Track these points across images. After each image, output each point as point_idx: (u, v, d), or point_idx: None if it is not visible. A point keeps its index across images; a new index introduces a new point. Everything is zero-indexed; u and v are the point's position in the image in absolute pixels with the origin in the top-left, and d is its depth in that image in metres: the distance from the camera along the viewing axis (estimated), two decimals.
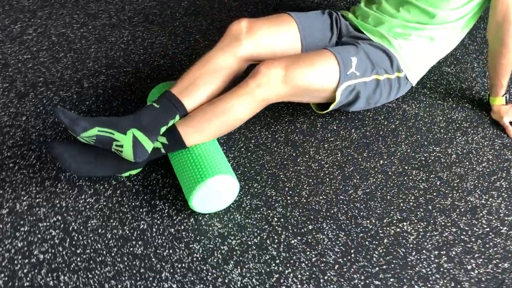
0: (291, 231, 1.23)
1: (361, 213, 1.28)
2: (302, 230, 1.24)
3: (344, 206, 1.29)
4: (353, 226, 1.25)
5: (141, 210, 1.26)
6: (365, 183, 1.34)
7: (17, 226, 1.22)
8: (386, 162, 1.40)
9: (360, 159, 1.40)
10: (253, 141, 1.44)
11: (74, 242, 1.19)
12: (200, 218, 1.25)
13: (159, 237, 1.21)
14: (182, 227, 1.23)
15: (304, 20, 1.41)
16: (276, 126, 1.48)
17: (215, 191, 1.20)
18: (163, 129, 1.23)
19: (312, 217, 1.26)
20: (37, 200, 1.27)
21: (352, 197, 1.31)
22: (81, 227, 1.22)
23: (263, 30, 1.34)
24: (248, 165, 1.37)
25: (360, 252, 1.20)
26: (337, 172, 1.36)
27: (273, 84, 1.23)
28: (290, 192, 1.31)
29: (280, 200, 1.29)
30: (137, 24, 1.83)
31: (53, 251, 1.17)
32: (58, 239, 1.20)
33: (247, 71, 1.33)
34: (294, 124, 1.49)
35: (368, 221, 1.26)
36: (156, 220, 1.24)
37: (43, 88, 1.57)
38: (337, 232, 1.24)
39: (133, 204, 1.27)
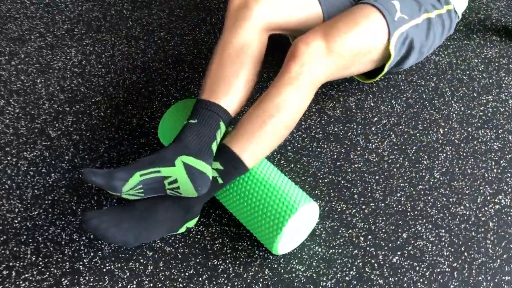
0: (386, 248, 1.02)
1: (451, 200, 1.09)
2: (398, 242, 1.03)
3: (429, 197, 1.09)
4: (449, 218, 1.06)
5: (200, 278, 0.99)
6: (436, 161, 1.15)
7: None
8: (446, 130, 1.20)
9: (417, 134, 1.20)
10: (289, 148, 1.18)
11: None
12: (275, 265, 1.00)
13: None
14: (260, 285, 0.98)
15: None
16: (307, 122, 1.23)
17: (302, 222, 0.97)
18: (214, 147, 0.96)
19: (400, 222, 1.05)
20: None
21: (431, 183, 1.11)
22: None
23: None
24: (297, 179, 1.12)
25: (471, 247, 1.02)
26: (401, 158, 1.15)
27: (317, 60, 1.01)
28: (362, 199, 1.09)
29: (355, 213, 1.07)
30: (81, 37, 1.45)
31: None
32: None
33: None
34: (325, 113, 1.24)
35: (462, 207, 1.08)
36: (224, 286, 0.98)
37: None
38: (437, 231, 1.04)
39: (188, 273, 0.99)
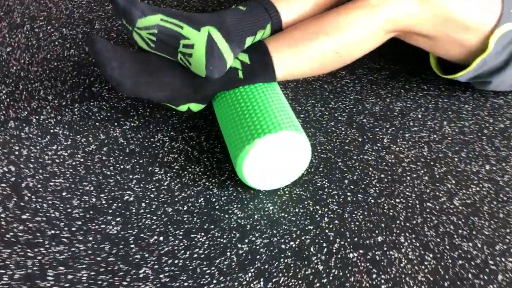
0: (349, 240, 0.79)
1: (460, 231, 0.82)
2: (367, 242, 0.79)
3: (433, 218, 0.84)
4: (447, 247, 0.80)
5: (131, 176, 0.85)
6: (464, 191, 0.89)
7: None
8: (495, 168, 0.95)
9: (456, 159, 0.96)
10: (302, 115, 1.02)
11: (22, 204, 0.79)
12: (214, 199, 0.83)
13: (149, 215, 0.79)
14: (186, 208, 0.81)
15: None
16: (337, 103, 1.06)
17: (282, 155, 0.80)
18: (248, 42, 0.85)
19: (383, 225, 0.82)
20: None
21: (445, 207, 0.86)
22: (39, 186, 0.82)
23: None
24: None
25: None
26: (422, 171, 0.92)
27: (407, 1, 0.85)
28: (352, 186, 0.88)
29: (335, 195, 0.86)
30: None
31: None
32: (2, 196, 0.79)
33: None
34: (362, 104, 1.07)
35: (470, 244, 0.81)
36: (149, 193, 0.83)
37: (43, 22, 1.22)
38: (422, 252, 0.79)
39: (122, 167, 0.87)
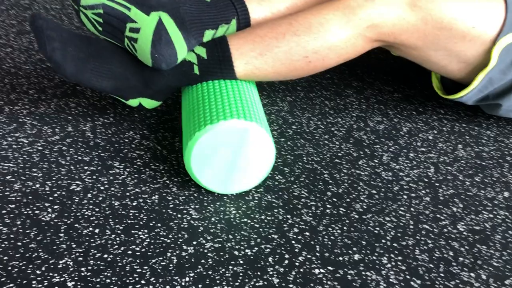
0: (318, 255, 0.65)
1: (460, 259, 0.66)
2: (341, 259, 0.65)
3: (429, 241, 0.69)
4: (441, 275, 0.64)
5: (85, 167, 0.77)
6: (472, 216, 0.74)
7: None
8: None
9: (468, 183, 0.81)
10: (294, 127, 0.92)
11: None
12: (170, 198, 0.72)
13: (91, 207, 0.69)
14: (135, 203, 0.71)
15: None
16: (336, 119, 0.95)
17: (236, 147, 0.69)
18: (207, 36, 0.77)
19: (364, 242, 0.67)
20: None
21: (446, 230, 0.71)
22: None
23: None
24: (276, 151, 0.84)
25: None
26: (424, 191, 0.78)
27: (393, 3, 0.74)
28: (334, 199, 0.75)
29: (312, 206, 0.73)
30: None
31: None
32: None
33: None
34: (365, 122, 0.95)
35: (472, 275, 0.64)
36: (99, 185, 0.73)
37: None
38: (409, 277, 0.63)
39: (79, 158, 0.79)
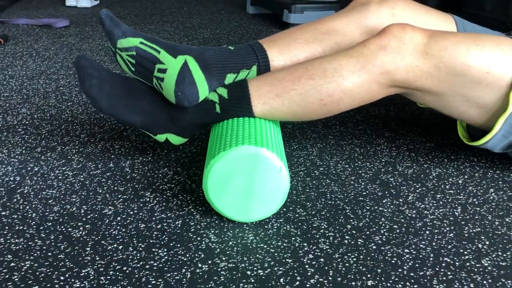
0: (330, 278, 0.65)
1: None
2: (353, 283, 0.64)
3: (449, 273, 0.67)
4: None
5: (119, 196, 0.83)
6: (499, 253, 0.71)
7: None
8: None
9: (497, 223, 0.79)
10: (321, 169, 0.94)
11: (8, 203, 0.80)
12: (192, 223, 0.76)
13: (118, 227, 0.74)
14: (159, 226, 0.75)
15: (467, 24, 0.99)
16: (364, 163, 0.97)
17: (249, 173, 0.73)
18: (229, 79, 0.85)
19: (379, 270, 0.67)
20: (12, 160, 0.94)
21: (468, 264, 0.69)
22: (32, 193, 0.83)
23: (404, 3, 0.95)
24: (300, 189, 0.87)
25: None
26: (448, 228, 0.77)
27: (405, 51, 0.78)
28: (354, 231, 0.75)
29: (330, 236, 0.74)
30: None
31: None
32: None
33: None
34: (393, 166, 0.96)
35: None
36: (129, 210, 0.79)
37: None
38: None
39: (115, 188, 0.85)
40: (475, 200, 0.85)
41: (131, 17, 2.33)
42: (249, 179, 0.72)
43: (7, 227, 0.74)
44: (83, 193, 0.84)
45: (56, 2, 2.65)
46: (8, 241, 0.71)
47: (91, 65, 0.82)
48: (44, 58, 1.64)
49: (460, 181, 0.91)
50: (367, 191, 0.87)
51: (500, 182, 0.91)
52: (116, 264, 0.67)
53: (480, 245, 0.73)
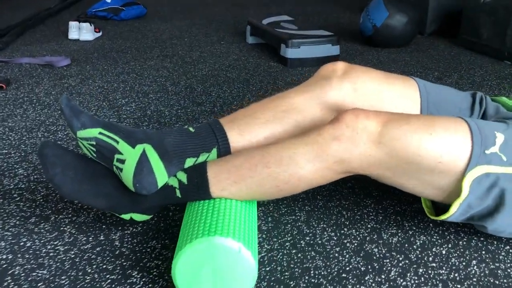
0: None
1: None
2: None
3: None
4: None
5: (107, 276, 0.85)
6: None
7: None
8: None
9: None
10: (307, 238, 0.96)
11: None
12: None
13: None
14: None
15: (430, 87, 1.00)
16: (350, 230, 0.99)
17: (218, 264, 0.75)
18: (188, 163, 0.88)
19: None
20: (6, 233, 0.97)
21: None
22: (22, 274, 0.86)
23: (367, 76, 0.96)
24: (285, 264, 0.88)
25: None
26: None
27: (358, 141, 0.80)
28: None
29: None
30: None
31: None
32: None
33: None
34: (378, 234, 0.97)
35: None
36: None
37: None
38: None
39: (103, 266, 0.88)
40: (456, 275, 0.86)
41: (132, 51, 2.37)
42: (216, 268, 0.74)
43: None
44: (72, 273, 0.86)
45: (59, 36, 2.70)
46: None
47: (54, 153, 0.85)
48: (44, 105, 1.68)
49: (443, 252, 0.92)
50: (351, 266, 0.88)
51: (483, 252, 0.92)
52: None
53: None
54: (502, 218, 0.83)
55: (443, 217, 0.85)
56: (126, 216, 0.90)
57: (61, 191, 0.85)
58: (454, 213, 0.83)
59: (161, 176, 0.85)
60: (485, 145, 0.79)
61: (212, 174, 0.85)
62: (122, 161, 0.84)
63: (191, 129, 0.91)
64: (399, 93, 0.95)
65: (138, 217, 0.90)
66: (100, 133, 0.86)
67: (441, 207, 0.89)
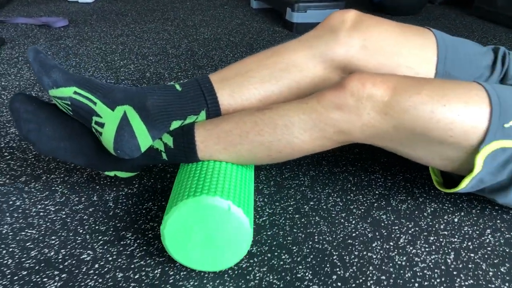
0: None
1: None
2: None
3: None
4: None
5: (100, 237, 0.81)
6: None
7: None
8: None
9: (491, 273, 0.75)
10: (311, 203, 0.91)
11: None
12: (172, 273, 0.74)
13: (95, 278, 0.72)
14: (137, 276, 0.73)
15: (449, 41, 0.91)
16: (357, 196, 0.93)
17: (209, 225, 0.70)
18: (175, 125, 0.80)
19: None
20: None
21: None
22: (10, 233, 0.81)
23: (380, 30, 0.86)
24: (287, 228, 0.83)
25: None
26: (439, 280, 0.73)
27: (363, 111, 0.72)
28: (339, 283, 0.72)
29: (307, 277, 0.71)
30: None
31: None
32: None
33: None
34: (387, 200, 0.92)
35: None
36: (107, 255, 0.76)
37: None
38: None
39: (96, 227, 0.83)
40: (469, 244, 0.81)
41: (132, 14, 2.29)
42: (207, 229, 0.69)
43: None
44: (63, 234, 0.81)
45: None
46: None
47: (26, 108, 0.77)
48: None
49: (456, 219, 0.87)
50: (357, 232, 0.83)
51: (498, 221, 0.87)
52: None
53: None
54: None
55: (453, 190, 0.79)
56: (110, 173, 0.84)
57: (37, 149, 0.79)
58: (464, 187, 0.77)
59: (144, 141, 0.78)
60: (504, 119, 0.72)
61: (200, 138, 0.78)
62: (101, 125, 0.77)
63: (177, 86, 0.82)
64: (415, 50, 0.87)
65: (123, 174, 0.85)
66: (75, 92, 0.77)
67: (452, 177, 0.83)
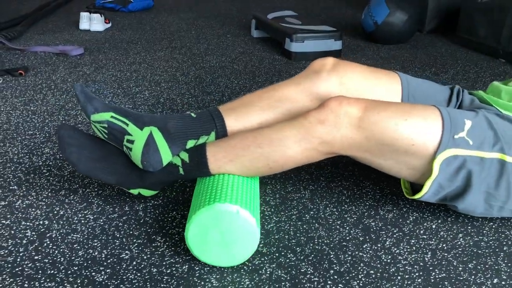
0: None
1: None
2: None
3: None
4: None
5: (134, 240, 0.96)
6: None
7: (0, 218, 1.02)
8: (504, 283, 0.87)
9: (460, 268, 0.91)
10: (311, 212, 1.07)
11: (39, 248, 0.93)
12: (197, 268, 0.89)
13: (134, 272, 0.87)
14: (169, 271, 0.88)
15: (412, 81, 1.11)
16: (350, 207, 1.10)
17: (223, 227, 0.87)
18: (190, 144, 0.98)
19: None
20: (40, 203, 1.08)
21: None
22: (59, 237, 0.96)
23: (353, 71, 1.07)
24: (292, 233, 1.00)
25: None
26: (417, 274, 0.89)
27: (341, 125, 0.90)
28: (335, 276, 0.88)
29: (315, 282, 0.86)
30: None
31: (12, 249, 0.92)
32: (26, 240, 0.95)
33: None
34: (376, 210, 1.08)
35: None
36: (143, 254, 0.92)
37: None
38: None
39: (130, 232, 0.99)
40: (444, 245, 0.97)
41: (142, 43, 2.47)
42: (222, 231, 0.86)
43: (40, 272, 0.87)
44: (103, 238, 0.97)
45: (70, 25, 2.79)
46: (42, 285, 0.84)
47: (70, 134, 0.96)
48: (62, 91, 1.78)
49: (433, 226, 1.03)
50: (350, 236, 0.99)
51: (469, 227, 1.03)
52: None
53: (490, 282, 0.85)
54: (470, 199, 0.94)
55: (418, 195, 0.96)
56: (134, 191, 1.01)
57: (77, 168, 0.97)
58: (427, 192, 0.94)
59: (166, 155, 0.96)
60: (454, 131, 0.91)
61: (211, 153, 0.96)
62: (132, 142, 0.95)
63: (192, 114, 1.02)
64: (383, 86, 1.06)
65: (146, 192, 1.01)
66: (112, 116, 0.96)
67: (418, 189, 1.00)
